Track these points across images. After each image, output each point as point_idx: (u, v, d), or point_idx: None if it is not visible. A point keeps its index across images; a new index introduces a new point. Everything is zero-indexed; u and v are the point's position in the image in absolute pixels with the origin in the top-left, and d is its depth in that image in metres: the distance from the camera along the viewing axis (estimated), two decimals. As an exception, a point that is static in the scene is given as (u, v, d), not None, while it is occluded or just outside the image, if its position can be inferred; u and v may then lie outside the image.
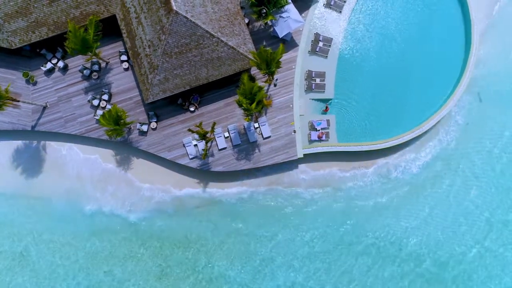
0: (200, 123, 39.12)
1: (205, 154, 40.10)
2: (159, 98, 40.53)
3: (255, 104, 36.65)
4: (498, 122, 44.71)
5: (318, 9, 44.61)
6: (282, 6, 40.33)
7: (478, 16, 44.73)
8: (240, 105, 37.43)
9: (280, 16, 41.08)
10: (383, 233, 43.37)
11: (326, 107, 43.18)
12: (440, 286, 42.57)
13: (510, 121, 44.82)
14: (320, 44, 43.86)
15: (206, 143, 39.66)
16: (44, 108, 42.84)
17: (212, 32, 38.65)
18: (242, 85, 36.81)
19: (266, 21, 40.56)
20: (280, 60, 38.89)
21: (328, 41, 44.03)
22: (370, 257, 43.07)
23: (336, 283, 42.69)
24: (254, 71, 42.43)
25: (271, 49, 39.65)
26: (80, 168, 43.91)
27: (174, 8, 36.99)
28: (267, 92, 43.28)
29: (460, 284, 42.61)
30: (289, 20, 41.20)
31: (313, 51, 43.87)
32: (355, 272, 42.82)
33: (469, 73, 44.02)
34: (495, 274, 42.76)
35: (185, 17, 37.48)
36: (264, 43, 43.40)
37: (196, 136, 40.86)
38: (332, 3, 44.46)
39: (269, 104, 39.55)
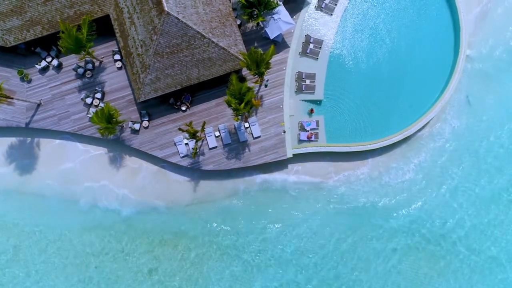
0: (190, 122, 39.76)
1: (195, 153, 40.78)
2: (150, 97, 41.19)
3: (244, 104, 37.27)
4: (487, 124, 45.23)
5: (309, 11, 45.25)
6: (273, 8, 40.96)
7: (467, 18, 45.34)
8: (229, 105, 38.06)
9: (271, 18, 41.74)
10: (369, 232, 43.91)
11: (312, 110, 43.69)
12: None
13: (498, 123, 45.32)
14: (311, 45, 44.48)
15: (196, 142, 40.32)
16: (38, 105, 43.52)
17: (203, 33, 39.32)
18: (231, 86, 37.47)
19: (257, 22, 41.15)
20: (270, 61, 39.57)
21: (319, 43, 44.66)
22: (356, 253, 43.62)
23: (324, 278, 43.28)
24: (246, 71, 43.05)
25: (262, 50, 40.33)
26: (73, 165, 44.48)
27: (166, 9, 37.66)
28: (257, 92, 43.94)
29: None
30: (279, 21, 41.86)
31: (304, 52, 44.50)
32: (341, 271, 43.49)
33: (458, 75, 44.63)
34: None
35: (176, 18, 38.15)
36: (256, 44, 44.04)
37: (187, 135, 41.44)
38: (323, 5, 45.10)
39: (258, 105, 40.19)
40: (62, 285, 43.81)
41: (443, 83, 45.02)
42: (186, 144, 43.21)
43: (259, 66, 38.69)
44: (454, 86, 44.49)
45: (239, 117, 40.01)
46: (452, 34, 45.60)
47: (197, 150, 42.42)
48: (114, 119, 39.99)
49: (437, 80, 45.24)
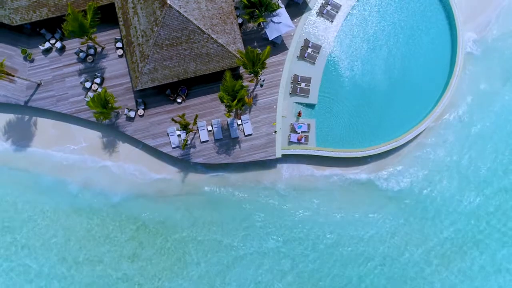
0: (183, 114, 40.67)
1: (185, 145, 41.71)
2: (147, 87, 42.17)
3: (236, 101, 38.13)
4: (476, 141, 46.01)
5: (310, 17, 46.05)
6: (274, 10, 41.79)
7: (466, 37, 46.06)
8: (222, 101, 38.95)
9: (271, 20, 42.58)
10: (343, 236, 44.78)
11: (299, 113, 44.47)
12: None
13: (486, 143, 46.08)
14: (309, 50, 45.30)
15: (187, 134, 41.22)
16: (38, 85, 44.60)
17: (203, 29, 40.24)
18: (225, 82, 38.35)
19: (257, 23, 42.00)
20: (267, 62, 40.44)
21: (317, 48, 45.46)
22: (333, 256, 44.51)
23: (299, 273, 44.24)
24: (243, 70, 43.91)
25: (261, 50, 41.28)
26: (67, 146, 45.49)
27: (168, 2, 38.66)
28: (253, 91, 44.81)
29: None
30: (280, 24, 42.71)
31: (302, 56, 45.32)
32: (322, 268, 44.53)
33: (451, 92, 45.30)
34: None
35: (178, 11, 39.10)
36: (255, 44, 44.90)
37: (179, 126, 42.34)
38: (324, 12, 45.88)
39: (250, 103, 41.00)
40: (46, 262, 44.70)
41: (436, 99, 45.64)
42: (179, 135, 44.13)
43: (255, 65, 39.54)
44: (446, 102, 45.15)
45: (231, 113, 40.81)
46: (449, 50, 46.21)
47: (188, 142, 43.30)
48: (109, 105, 41.00)
49: (430, 95, 45.86)
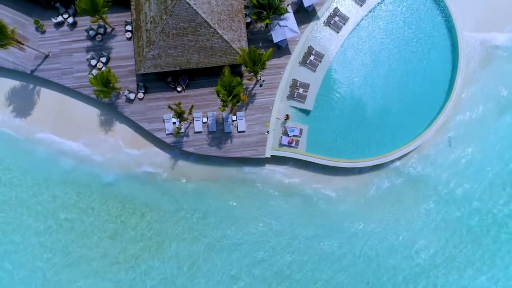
0: (179, 103, 41.80)
1: (177, 132, 42.87)
2: (149, 72, 43.39)
3: (231, 97, 39.21)
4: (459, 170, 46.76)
5: (317, 25, 47.02)
6: (281, 14, 42.81)
7: (466, 64, 46.87)
8: (218, 95, 40.04)
9: (278, 23, 43.62)
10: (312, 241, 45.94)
11: (287, 116, 45.39)
12: None
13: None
14: (312, 57, 46.27)
15: (180, 122, 42.35)
16: (46, 56, 45.97)
17: (210, 23, 41.39)
18: (223, 77, 39.45)
19: (265, 24, 42.99)
20: (268, 63, 41.49)
21: (320, 56, 46.41)
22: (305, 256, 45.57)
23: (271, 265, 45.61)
24: (244, 68, 44.90)
25: (264, 51, 42.24)
26: (66, 120, 46.72)
27: (180, -8, 39.84)
28: (252, 89, 45.85)
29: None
30: (285, 28, 43.74)
31: (304, 62, 46.29)
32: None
33: (444, 117, 46.06)
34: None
35: (187, 3, 40.30)
36: (260, 45, 45.93)
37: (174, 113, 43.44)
38: (332, 22, 46.82)
39: (245, 100, 42.04)
40: (31, 230, 45.90)
41: (429, 121, 46.37)
42: (174, 123, 45.27)
43: (255, 65, 40.59)
44: (438, 126, 45.93)
45: (226, 108, 41.88)
46: (449, 73, 46.97)
47: (182, 131, 44.46)
48: (110, 85, 42.25)
49: (424, 118, 46.62)
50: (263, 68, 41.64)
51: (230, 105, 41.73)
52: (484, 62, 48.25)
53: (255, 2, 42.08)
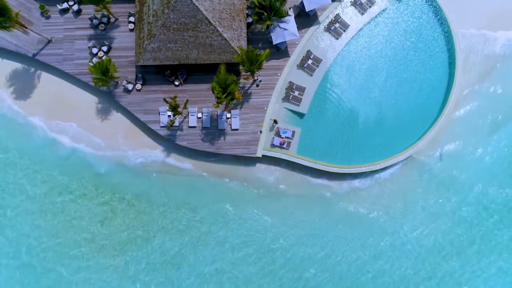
0: (175, 96, 42.45)
1: (171, 125, 43.54)
2: (148, 64, 44.04)
3: (226, 94, 39.82)
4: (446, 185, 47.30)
5: (318, 30, 47.56)
6: (282, 16, 43.36)
7: (461, 83, 47.29)
8: (213, 91, 40.65)
9: (278, 25, 44.17)
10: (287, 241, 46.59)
11: (275, 121, 45.94)
12: None
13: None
14: (310, 61, 46.81)
15: (174, 115, 42.98)
16: (49, 41, 46.71)
17: (211, 20, 42.01)
18: (219, 74, 40.05)
19: (263, 25, 43.57)
20: (263, 63, 42.03)
21: (318, 61, 46.94)
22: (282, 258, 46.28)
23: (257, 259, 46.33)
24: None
25: (260, 51, 42.81)
26: (64, 105, 47.39)
27: (182, -12, 40.46)
28: (248, 89, 46.44)
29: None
30: (285, 31, 44.28)
31: (301, 66, 46.84)
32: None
33: (435, 131, 46.49)
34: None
35: (190, -1, 40.96)
36: (260, 45, 46.49)
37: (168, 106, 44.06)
38: (332, 28, 47.34)
39: (239, 99, 42.64)
40: (24, 214, 46.64)
41: (421, 133, 46.82)
42: (169, 116, 45.88)
43: (252, 64, 41.17)
44: (429, 138, 46.38)
45: (220, 105, 42.46)
46: (444, 89, 47.41)
47: (175, 124, 45.12)
48: (109, 74, 42.92)
49: (416, 129, 47.06)
50: (260, 69, 42.23)
51: (224, 102, 42.28)
52: (482, 76, 48.67)
53: (256, 3, 42.63)
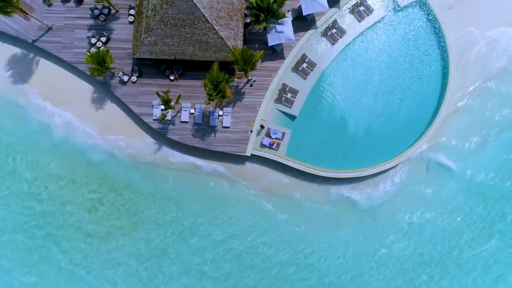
0: (168, 91, 43.07)
1: (162, 119, 44.16)
2: (144, 57, 44.68)
3: (217, 92, 40.39)
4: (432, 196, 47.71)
5: (315, 34, 48.02)
6: (279, 18, 43.86)
7: (452, 95, 47.69)
8: (205, 88, 41.24)
9: (275, 27, 44.68)
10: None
11: (261, 126, 46.37)
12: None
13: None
14: (304, 65, 47.30)
15: (166, 109, 43.59)
16: (49, 29, 47.42)
17: (208, 18, 42.58)
18: (212, 72, 40.63)
19: (259, 26, 44.08)
20: (257, 63, 42.61)
21: (312, 65, 47.43)
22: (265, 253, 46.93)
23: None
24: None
25: (255, 52, 43.35)
26: (60, 93, 48.08)
27: (181, -15, 41.04)
28: (242, 88, 46.99)
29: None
30: (281, 33, 44.78)
31: (296, 69, 47.35)
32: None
33: (424, 141, 46.91)
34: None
35: (188, -4, 41.53)
36: (256, 46, 47.00)
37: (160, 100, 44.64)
38: (329, 33, 47.82)
39: (230, 97, 43.15)
40: (13, 196, 47.52)
41: (410, 143, 47.22)
42: (162, 109, 46.47)
43: (246, 64, 41.72)
44: (417, 149, 46.83)
45: (211, 102, 43.05)
46: (436, 102, 47.81)
47: (168, 119, 45.74)
48: (105, 64, 43.57)
49: (406, 139, 47.45)
50: (253, 69, 42.78)
51: (215, 100, 42.83)
52: (476, 93, 49.03)
53: (254, 3, 43.17)
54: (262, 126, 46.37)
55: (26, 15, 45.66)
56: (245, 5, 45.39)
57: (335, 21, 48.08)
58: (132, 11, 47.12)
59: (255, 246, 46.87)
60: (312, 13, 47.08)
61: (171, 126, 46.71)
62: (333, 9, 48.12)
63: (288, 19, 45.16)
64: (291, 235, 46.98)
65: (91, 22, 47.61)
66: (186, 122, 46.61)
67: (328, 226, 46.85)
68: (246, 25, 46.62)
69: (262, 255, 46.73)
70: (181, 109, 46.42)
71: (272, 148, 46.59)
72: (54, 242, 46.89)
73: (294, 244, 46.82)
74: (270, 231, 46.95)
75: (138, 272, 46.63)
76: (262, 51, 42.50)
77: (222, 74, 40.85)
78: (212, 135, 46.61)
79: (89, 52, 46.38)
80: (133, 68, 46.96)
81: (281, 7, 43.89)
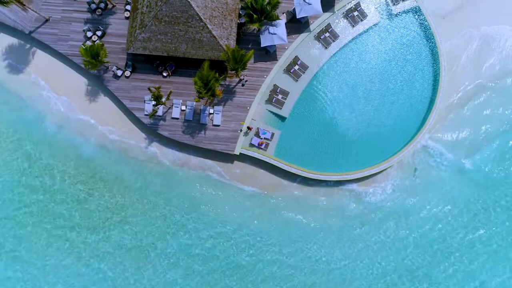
0: (159, 87, 43.60)
1: (152, 115, 44.69)
2: (138, 53, 45.22)
3: (207, 90, 40.90)
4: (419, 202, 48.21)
5: (308, 37, 48.46)
6: (272, 20, 44.33)
7: (442, 102, 48.08)
8: (195, 86, 41.75)
9: (268, 28, 45.15)
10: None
11: (249, 127, 46.81)
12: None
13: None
14: (296, 67, 47.76)
15: (156, 105, 44.11)
16: (46, 20, 48.01)
17: (202, 17, 43.09)
18: (202, 70, 41.14)
19: (253, 27, 44.54)
20: (247, 63, 43.05)
21: (304, 67, 47.88)
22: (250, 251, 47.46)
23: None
24: (230, 65, 46.49)
25: (246, 51, 43.87)
26: (54, 84, 48.74)
27: (176, -17, 41.56)
28: (233, 88, 47.49)
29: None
30: (274, 35, 45.25)
31: (288, 70, 47.81)
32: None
33: (412, 147, 47.31)
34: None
35: (182, -6, 42.04)
36: (250, 46, 47.49)
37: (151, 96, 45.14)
38: (322, 37, 48.26)
39: (220, 95, 43.67)
40: (7, 191, 48.05)
41: (398, 148, 47.61)
42: (154, 105, 46.99)
43: (237, 63, 42.22)
44: (405, 154, 47.24)
45: (201, 100, 43.52)
46: (424, 111, 48.22)
47: (158, 114, 46.27)
48: (99, 58, 44.13)
49: (394, 145, 47.85)
50: (244, 68, 43.25)
51: (205, 98, 43.33)
52: (463, 102, 49.44)
53: (248, 4, 43.64)
54: (249, 128, 46.76)
55: (24, 6, 46.28)
56: (239, 6, 45.87)
57: (328, 25, 48.53)
58: (128, 7, 47.66)
59: (241, 242, 47.28)
60: (306, 16, 47.52)
61: (162, 122, 47.24)
62: (327, 13, 48.57)
63: (282, 21, 45.63)
64: (279, 234, 47.42)
65: (88, 16, 48.20)
66: (177, 118, 47.12)
67: (316, 228, 47.36)
68: (240, 25, 47.13)
69: (247, 251, 47.16)
70: (172, 105, 46.92)
71: (261, 148, 47.06)
72: (44, 229, 47.43)
73: (283, 242, 47.31)
74: (257, 229, 47.35)
75: (124, 264, 47.12)
76: (252, 51, 42.98)
77: (212, 73, 41.36)
78: (202, 132, 47.12)
79: (84, 45, 46.89)
80: (127, 63, 47.51)
81: (275, 9, 44.33)
